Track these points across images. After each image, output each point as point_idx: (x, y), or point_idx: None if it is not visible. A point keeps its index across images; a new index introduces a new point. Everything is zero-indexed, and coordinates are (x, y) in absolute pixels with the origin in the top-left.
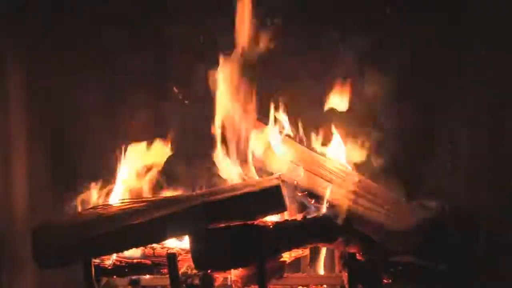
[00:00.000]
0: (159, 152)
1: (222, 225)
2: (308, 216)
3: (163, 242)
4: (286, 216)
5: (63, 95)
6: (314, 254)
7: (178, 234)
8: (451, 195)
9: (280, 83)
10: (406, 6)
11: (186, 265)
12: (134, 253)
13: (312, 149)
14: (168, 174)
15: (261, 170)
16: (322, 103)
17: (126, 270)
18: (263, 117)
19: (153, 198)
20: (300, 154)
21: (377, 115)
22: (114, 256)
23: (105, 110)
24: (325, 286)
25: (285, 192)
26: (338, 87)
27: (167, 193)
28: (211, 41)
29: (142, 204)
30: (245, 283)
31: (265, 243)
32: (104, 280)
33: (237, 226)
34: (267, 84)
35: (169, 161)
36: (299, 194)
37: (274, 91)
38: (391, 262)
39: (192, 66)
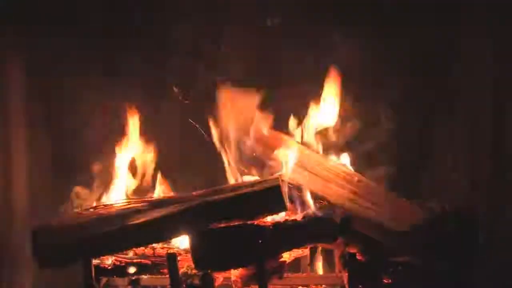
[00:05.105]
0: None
1: (222, 225)
2: (308, 216)
3: (163, 242)
4: (286, 216)
5: (63, 95)
6: (315, 254)
7: (178, 234)
8: (451, 195)
9: (279, 83)
10: (406, 6)
11: (186, 265)
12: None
13: (312, 148)
14: (168, 173)
15: (262, 170)
16: (321, 102)
17: (126, 270)
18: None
19: (153, 198)
20: (301, 153)
21: (377, 116)
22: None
23: (106, 109)
24: (325, 286)
25: (285, 192)
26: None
27: (167, 193)
28: (210, 41)
29: (142, 204)
30: (245, 283)
31: (265, 243)
32: (104, 280)
33: (237, 226)
34: (266, 85)
35: (169, 161)
36: (299, 194)
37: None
38: (391, 262)
39: (192, 66)
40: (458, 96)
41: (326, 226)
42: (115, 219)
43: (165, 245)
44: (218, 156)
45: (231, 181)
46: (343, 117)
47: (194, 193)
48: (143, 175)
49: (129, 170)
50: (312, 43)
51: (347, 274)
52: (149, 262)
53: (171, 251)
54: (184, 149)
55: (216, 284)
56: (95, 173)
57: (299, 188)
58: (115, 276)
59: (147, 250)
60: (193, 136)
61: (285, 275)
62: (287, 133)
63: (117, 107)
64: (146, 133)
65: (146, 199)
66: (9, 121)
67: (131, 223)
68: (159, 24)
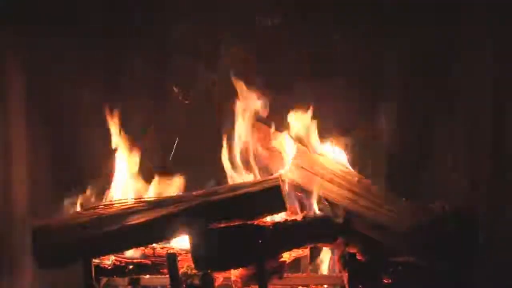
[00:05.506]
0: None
1: (222, 225)
2: (308, 216)
3: (163, 242)
4: (286, 216)
5: (63, 95)
6: (315, 254)
7: (178, 234)
8: (451, 195)
9: (279, 84)
10: (406, 6)
11: (186, 265)
12: (134, 253)
13: (312, 149)
14: (169, 173)
15: (262, 170)
16: (321, 103)
17: (126, 270)
18: (263, 118)
19: (153, 198)
20: (300, 154)
21: (377, 116)
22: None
23: (105, 109)
24: (325, 286)
25: (285, 192)
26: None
27: (167, 193)
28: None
29: (142, 204)
30: (245, 283)
31: (265, 243)
32: (104, 280)
33: (237, 226)
34: (267, 85)
35: (170, 161)
36: (299, 194)
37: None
38: (391, 262)
39: (192, 66)
40: (458, 96)
41: (326, 226)
42: (115, 219)
43: (165, 245)
44: (218, 156)
45: (231, 181)
46: (343, 117)
47: (194, 193)
48: (143, 175)
49: (128, 170)
50: (312, 43)
51: (347, 274)
52: (149, 262)
53: (171, 251)
54: (184, 149)
55: (216, 284)
56: (94, 173)
57: (299, 188)
58: (115, 276)
59: (147, 250)
60: (193, 136)
61: (285, 275)
62: (286, 133)
63: (117, 107)
64: (146, 133)
65: (146, 199)
66: (9, 121)
67: (131, 223)
68: (159, 24)
